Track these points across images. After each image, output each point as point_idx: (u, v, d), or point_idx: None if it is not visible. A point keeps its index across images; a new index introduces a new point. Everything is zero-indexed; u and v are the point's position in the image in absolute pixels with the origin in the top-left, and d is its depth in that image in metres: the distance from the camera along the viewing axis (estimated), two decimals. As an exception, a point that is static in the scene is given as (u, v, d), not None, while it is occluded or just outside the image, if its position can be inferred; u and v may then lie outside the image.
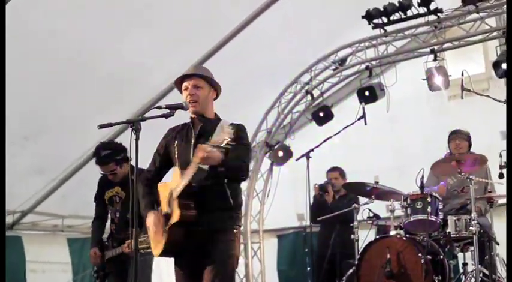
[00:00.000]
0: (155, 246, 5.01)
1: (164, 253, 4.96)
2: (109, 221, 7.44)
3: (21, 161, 9.43)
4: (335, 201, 9.32)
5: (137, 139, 4.59)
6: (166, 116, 4.80)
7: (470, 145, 8.34)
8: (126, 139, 4.70)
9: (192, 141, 4.88)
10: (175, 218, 4.76)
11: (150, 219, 4.99)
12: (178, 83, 5.15)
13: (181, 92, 5.14)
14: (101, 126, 4.71)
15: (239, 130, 5.01)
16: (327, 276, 9.35)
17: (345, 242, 8.62)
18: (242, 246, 11.84)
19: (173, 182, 4.93)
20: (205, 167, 4.76)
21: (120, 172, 7.07)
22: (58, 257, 11.55)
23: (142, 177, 5.22)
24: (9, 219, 10.79)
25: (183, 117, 5.16)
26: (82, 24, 8.29)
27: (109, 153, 7.02)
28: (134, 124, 4.63)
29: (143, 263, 6.55)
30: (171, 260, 5.13)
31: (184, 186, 4.74)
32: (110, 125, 4.77)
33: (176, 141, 5.06)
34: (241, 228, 11.21)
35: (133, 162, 4.81)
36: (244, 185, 11.79)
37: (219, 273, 4.78)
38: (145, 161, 4.81)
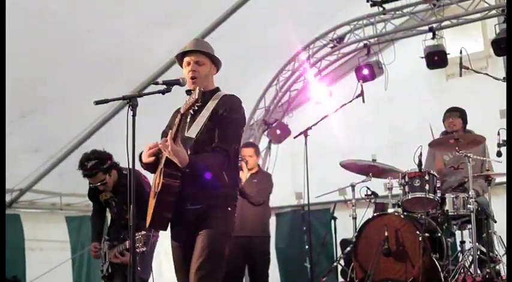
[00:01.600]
0: (148, 217, 4.97)
1: (152, 224, 4.93)
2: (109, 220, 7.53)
3: (18, 139, 9.41)
4: (247, 180, 8.70)
5: (134, 115, 4.56)
6: (163, 92, 4.75)
7: (465, 122, 8.30)
8: (123, 118, 4.66)
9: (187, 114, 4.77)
10: (159, 187, 4.75)
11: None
12: (179, 57, 5.13)
13: (181, 66, 5.12)
14: (97, 102, 4.68)
15: (229, 101, 5.01)
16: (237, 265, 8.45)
17: (259, 225, 8.52)
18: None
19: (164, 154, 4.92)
20: (192, 135, 4.77)
21: (110, 181, 7.04)
22: (56, 235, 11.57)
23: None
24: (7, 198, 10.78)
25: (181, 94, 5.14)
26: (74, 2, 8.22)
27: (95, 164, 6.89)
28: (131, 100, 4.60)
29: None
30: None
31: (166, 156, 4.72)
32: (106, 101, 4.73)
33: (177, 119, 5.05)
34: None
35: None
36: (242, 163, 11.81)
37: (205, 250, 4.75)
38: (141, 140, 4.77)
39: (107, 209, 7.49)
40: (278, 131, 11.68)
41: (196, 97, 4.45)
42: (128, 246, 6.67)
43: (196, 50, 5.06)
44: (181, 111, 4.59)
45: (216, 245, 4.81)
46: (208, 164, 4.81)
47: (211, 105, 4.91)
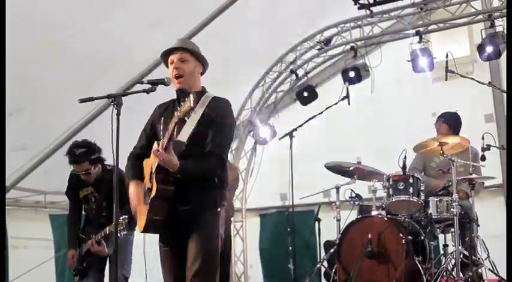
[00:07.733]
0: (139, 221, 4.98)
1: (146, 229, 4.91)
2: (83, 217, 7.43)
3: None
4: None
5: (118, 114, 4.57)
6: (147, 91, 4.77)
7: (452, 127, 8.27)
8: (108, 116, 4.64)
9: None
10: (153, 192, 4.75)
11: (132, 190, 5.01)
12: (165, 57, 5.11)
13: (167, 66, 5.09)
14: (82, 101, 4.69)
15: (221, 105, 4.99)
16: None
17: None
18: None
19: (153, 156, 4.89)
20: (183, 139, 4.74)
21: (94, 173, 7.00)
22: (40, 233, 11.51)
23: (130, 154, 5.21)
24: (-9, 195, 10.76)
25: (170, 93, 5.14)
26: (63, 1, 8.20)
27: (84, 152, 6.86)
28: (115, 99, 4.61)
29: (123, 243, 6.59)
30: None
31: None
32: (91, 99, 4.74)
33: (162, 118, 5.02)
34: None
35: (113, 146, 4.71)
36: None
37: (198, 257, 4.75)
38: (126, 139, 4.76)
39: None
40: (264, 132, 11.68)
41: (192, 105, 4.40)
42: (104, 234, 6.66)
43: (179, 47, 5.06)
44: (176, 118, 4.55)
45: (208, 250, 4.81)
46: (200, 170, 4.82)
47: (200, 108, 4.83)
